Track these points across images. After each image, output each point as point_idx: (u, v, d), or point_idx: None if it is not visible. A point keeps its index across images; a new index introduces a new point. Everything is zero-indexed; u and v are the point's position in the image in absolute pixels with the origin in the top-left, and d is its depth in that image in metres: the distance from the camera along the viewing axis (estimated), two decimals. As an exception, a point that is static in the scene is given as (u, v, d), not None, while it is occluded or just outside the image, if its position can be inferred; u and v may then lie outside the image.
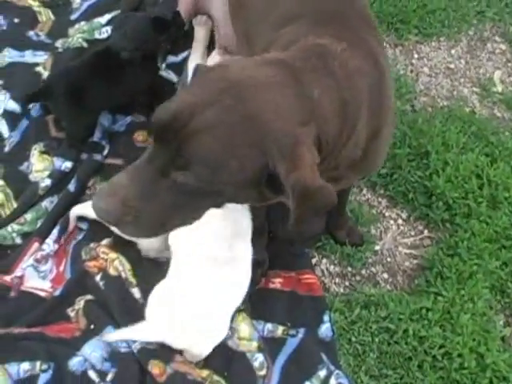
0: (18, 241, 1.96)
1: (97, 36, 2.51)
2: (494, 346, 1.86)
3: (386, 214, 2.21)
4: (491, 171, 2.20)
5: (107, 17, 2.56)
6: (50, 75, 2.24)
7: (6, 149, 2.17)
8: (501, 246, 2.06)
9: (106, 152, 2.20)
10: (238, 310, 1.81)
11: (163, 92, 2.28)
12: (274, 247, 2.01)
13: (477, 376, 1.80)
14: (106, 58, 2.11)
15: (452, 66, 2.67)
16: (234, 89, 1.08)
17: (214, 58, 2.29)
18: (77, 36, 2.47)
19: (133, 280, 1.88)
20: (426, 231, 2.19)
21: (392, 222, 2.20)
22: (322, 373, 1.77)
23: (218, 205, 1.18)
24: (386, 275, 2.08)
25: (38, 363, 1.67)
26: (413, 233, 2.19)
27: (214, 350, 1.74)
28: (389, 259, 2.12)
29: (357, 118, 1.23)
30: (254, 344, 1.79)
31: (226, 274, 1.77)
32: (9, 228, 1.96)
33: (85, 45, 2.44)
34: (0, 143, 2.18)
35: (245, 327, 1.81)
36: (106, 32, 2.51)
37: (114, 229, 1.88)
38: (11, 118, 2.22)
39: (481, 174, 2.20)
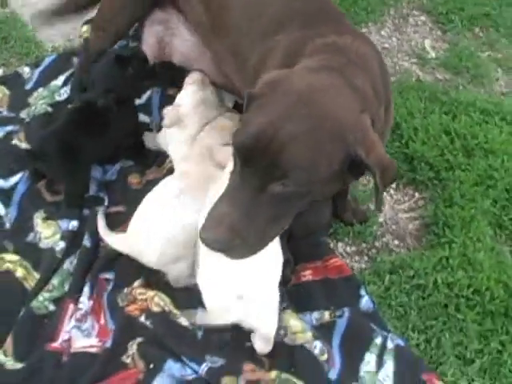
0: (52, 307, 1.96)
1: (57, 98, 2.56)
2: (512, 272, 2.06)
3: (378, 188, 2.37)
4: (456, 125, 2.42)
5: (62, 78, 2.63)
6: (37, 139, 2.22)
7: (7, 225, 2.16)
8: (487, 187, 2.27)
9: (106, 202, 2.24)
10: (282, 309, 1.89)
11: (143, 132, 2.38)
12: (293, 244, 2.09)
13: (508, 302, 1.97)
14: (86, 111, 2.17)
15: (386, 45, 2.91)
16: (304, 98, 1.23)
17: (189, 91, 2.34)
18: (39, 103, 2.51)
19: (176, 311, 1.91)
20: (416, 194, 2.37)
21: (385, 193, 2.36)
22: (378, 340, 1.87)
23: (306, 206, 1.31)
24: (396, 241, 2.24)
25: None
26: (406, 198, 2.37)
27: (275, 350, 1.80)
28: (394, 227, 2.28)
29: (380, 95, 1.39)
30: (309, 334, 1.86)
31: None
32: (40, 298, 1.96)
33: (49, 109, 2.48)
34: (-1, 222, 2.18)
35: (295, 322, 1.88)
36: (65, 93, 2.57)
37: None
38: (2, 195, 2.22)
39: (448, 129, 2.42)
